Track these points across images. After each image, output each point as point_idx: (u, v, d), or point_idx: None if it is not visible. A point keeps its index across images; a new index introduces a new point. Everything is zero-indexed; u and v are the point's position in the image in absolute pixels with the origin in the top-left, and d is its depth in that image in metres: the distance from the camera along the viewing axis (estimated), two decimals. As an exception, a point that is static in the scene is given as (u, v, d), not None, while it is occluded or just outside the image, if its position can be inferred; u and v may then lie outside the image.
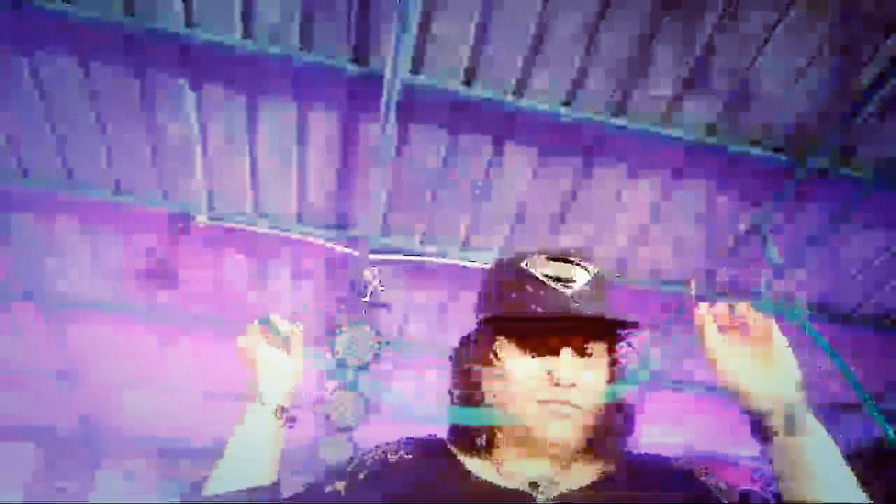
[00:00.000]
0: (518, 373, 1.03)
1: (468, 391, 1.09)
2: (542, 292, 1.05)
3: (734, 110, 3.12)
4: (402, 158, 3.41)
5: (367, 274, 3.80)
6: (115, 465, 6.15)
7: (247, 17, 2.84)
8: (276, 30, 2.87)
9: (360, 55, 2.95)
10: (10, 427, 5.94)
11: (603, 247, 3.88)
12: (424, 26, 2.82)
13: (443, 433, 1.14)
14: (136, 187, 3.63)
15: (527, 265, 1.10)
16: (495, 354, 1.07)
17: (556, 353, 1.02)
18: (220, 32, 2.87)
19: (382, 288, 3.83)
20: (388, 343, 3.86)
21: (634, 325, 1.05)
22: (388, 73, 2.82)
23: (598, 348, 1.05)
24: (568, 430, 1.00)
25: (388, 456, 1.09)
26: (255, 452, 1.07)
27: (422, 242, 3.89)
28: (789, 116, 3.13)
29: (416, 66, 2.97)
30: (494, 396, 1.06)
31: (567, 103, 3.11)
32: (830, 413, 5.27)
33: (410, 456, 1.08)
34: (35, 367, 5.21)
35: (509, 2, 2.74)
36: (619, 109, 3.14)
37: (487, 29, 2.85)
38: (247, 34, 2.89)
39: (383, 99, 2.91)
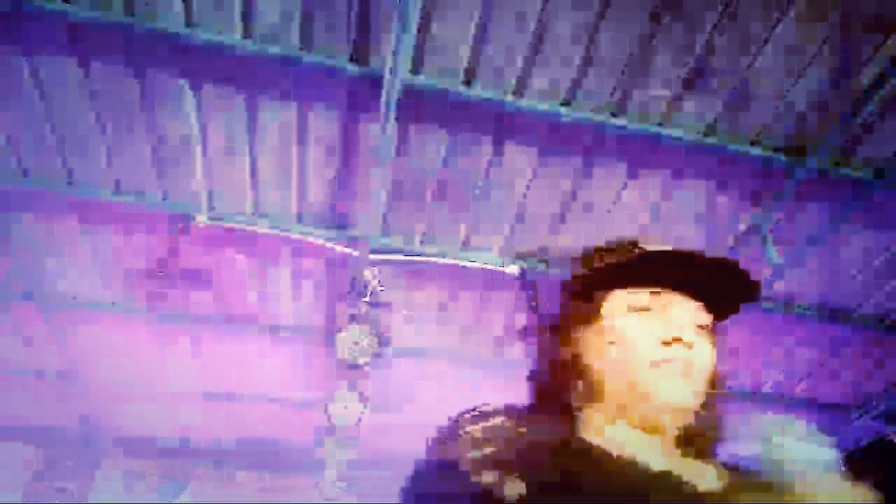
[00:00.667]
0: (630, 332, 0.95)
1: (568, 361, 1.00)
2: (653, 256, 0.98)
3: (734, 110, 3.12)
4: (402, 158, 3.41)
5: (367, 274, 3.81)
6: (115, 465, 6.14)
7: (247, 17, 2.84)
8: (276, 30, 2.87)
9: (360, 55, 2.95)
10: (10, 427, 5.94)
11: (603, 247, 3.87)
12: (424, 26, 2.82)
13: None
14: (136, 187, 3.63)
15: (625, 242, 1.03)
16: (601, 316, 0.99)
17: (671, 310, 0.96)
18: (220, 32, 2.87)
19: (382, 288, 3.83)
20: (388, 343, 3.86)
21: (756, 285, 0.97)
22: (388, 73, 2.82)
23: (708, 322, 0.99)
24: (683, 391, 0.92)
25: (515, 432, 0.89)
26: None
27: (422, 242, 3.89)
28: (789, 116, 3.13)
29: (416, 66, 2.97)
30: (600, 364, 0.97)
31: (567, 103, 3.11)
32: (830, 413, 5.27)
33: (525, 430, 0.90)
34: (35, 367, 5.21)
35: (509, 2, 2.75)
36: (619, 109, 3.14)
37: (487, 29, 2.85)
38: (247, 34, 2.89)
39: (383, 99, 2.91)
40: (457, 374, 4.93)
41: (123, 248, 4.03)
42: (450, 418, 0.93)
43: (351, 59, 2.97)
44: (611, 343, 0.96)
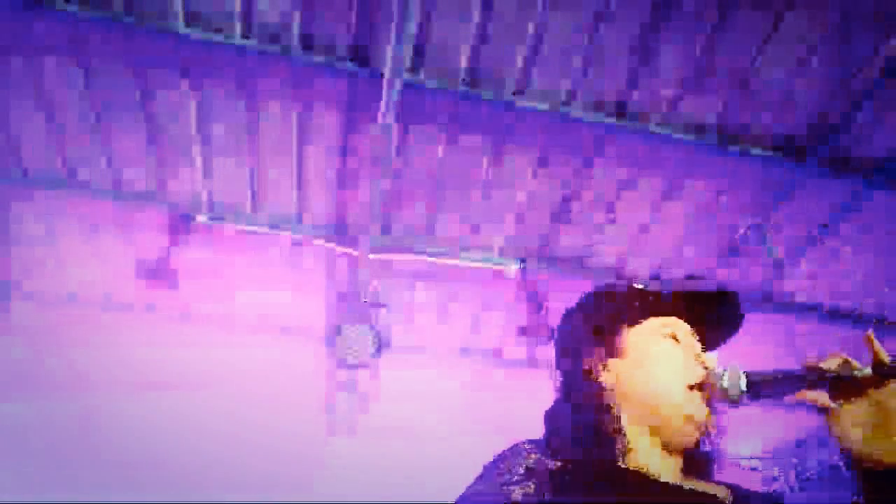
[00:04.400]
0: (668, 358, 1.05)
1: (596, 393, 1.04)
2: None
3: (734, 110, 3.12)
4: (402, 158, 3.41)
5: (367, 274, 3.80)
6: (114, 464, 6.14)
7: (247, 16, 2.83)
8: (276, 30, 2.87)
9: (360, 55, 2.95)
10: (12, 426, 5.94)
11: (603, 247, 3.88)
12: (424, 26, 2.82)
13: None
14: (136, 187, 3.62)
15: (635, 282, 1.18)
16: (630, 345, 1.08)
17: (688, 338, 1.09)
18: (220, 32, 2.87)
19: (382, 288, 3.83)
20: (388, 343, 3.87)
21: (740, 319, 1.21)
22: (388, 73, 2.82)
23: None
24: (708, 411, 1.02)
25: (556, 466, 0.93)
26: None
27: (422, 242, 3.89)
28: (790, 116, 3.13)
29: (416, 66, 2.97)
30: (643, 389, 1.04)
31: (567, 103, 3.11)
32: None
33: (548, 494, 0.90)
34: (35, 367, 5.20)
35: (509, 2, 2.74)
36: (619, 109, 3.14)
37: (487, 29, 2.85)
38: (247, 34, 2.89)
39: (383, 99, 2.90)
40: (457, 374, 4.93)
41: (123, 247, 4.03)
42: (484, 465, 0.97)
43: (351, 59, 2.97)
44: (649, 369, 1.05)
